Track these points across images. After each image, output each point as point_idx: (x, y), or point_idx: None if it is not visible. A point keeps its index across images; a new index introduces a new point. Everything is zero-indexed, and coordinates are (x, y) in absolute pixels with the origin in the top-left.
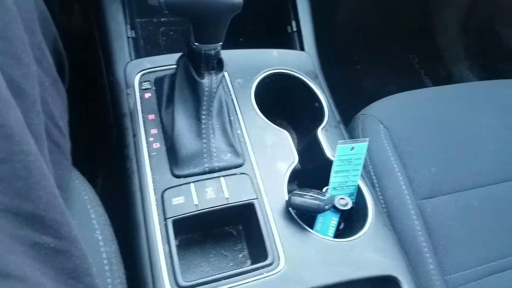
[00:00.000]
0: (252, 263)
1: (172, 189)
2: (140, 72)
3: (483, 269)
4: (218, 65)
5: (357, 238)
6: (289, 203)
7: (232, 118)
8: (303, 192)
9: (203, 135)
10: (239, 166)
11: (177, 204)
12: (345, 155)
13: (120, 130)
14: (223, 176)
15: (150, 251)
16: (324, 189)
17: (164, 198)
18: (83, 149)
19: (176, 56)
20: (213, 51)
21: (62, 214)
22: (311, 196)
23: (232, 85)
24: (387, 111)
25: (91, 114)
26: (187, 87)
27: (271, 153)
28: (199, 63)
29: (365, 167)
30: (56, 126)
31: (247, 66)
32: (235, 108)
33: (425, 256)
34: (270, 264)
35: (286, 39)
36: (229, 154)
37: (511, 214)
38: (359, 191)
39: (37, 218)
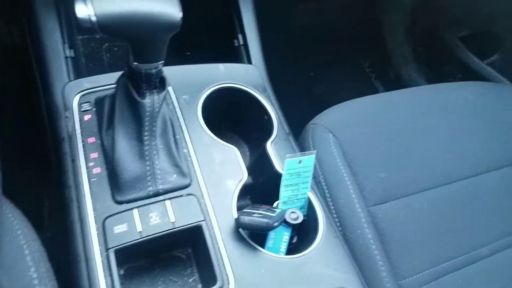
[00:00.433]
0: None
1: (114, 216)
2: (79, 93)
3: (435, 271)
4: (160, 84)
5: (308, 253)
6: (237, 223)
7: (177, 137)
8: (253, 209)
9: (146, 157)
10: (186, 187)
11: (119, 233)
12: (293, 169)
13: (58, 156)
14: (169, 198)
15: (91, 286)
16: (275, 204)
17: (106, 227)
18: (29, 177)
19: (119, 74)
20: (154, 70)
21: None
22: (260, 214)
23: (178, 102)
24: (337, 119)
25: (35, 137)
26: (127, 107)
27: (219, 171)
28: (140, 83)
29: (316, 177)
30: None
31: (193, 82)
32: (181, 126)
33: (377, 264)
34: None
35: (234, 53)
36: (175, 175)
37: (460, 215)
38: (310, 203)
39: None
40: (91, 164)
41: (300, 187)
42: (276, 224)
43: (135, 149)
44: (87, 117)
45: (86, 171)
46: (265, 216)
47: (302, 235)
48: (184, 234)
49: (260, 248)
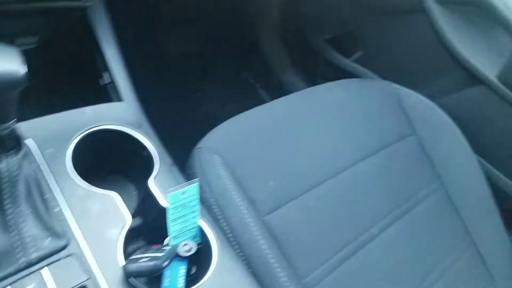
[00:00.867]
0: None
1: None
2: None
3: (333, 261)
4: (16, 144)
5: (204, 282)
6: (125, 273)
7: (46, 196)
8: (140, 254)
9: (11, 227)
10: (63, 249)
11: None
12: (178, 202)
13: None
14: (46, 265)
15: None
16: (166, 240)
17: None
18: None
19: None
20: (5, 131)
21: None
22: (147, 257)
23: (43, 157)
24: (222, 138)
25: None
26: None
27: (98, 222)
28: None
29: (207, 202)
30: None
31: (58, 132)
32: (48, 184)
33: (275, 271)
34: None
35: (103, 93)
36: (49, 239)
37: (346, 203)
38: (202, 230)
39: None
40: None
41: (189, 217)
42: (165, 263)
43: None
44: None
45: None
46: (153, 258)
47: (201, 263)
48: None
49: None
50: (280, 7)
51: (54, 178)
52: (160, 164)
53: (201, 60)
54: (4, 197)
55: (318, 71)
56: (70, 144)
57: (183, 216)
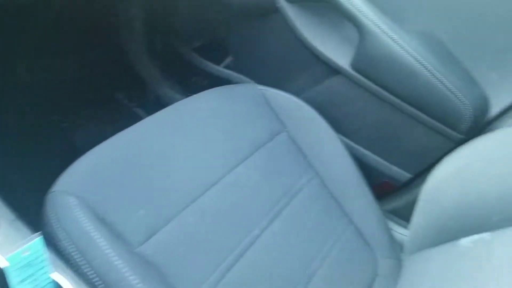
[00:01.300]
0: None
1: None
2: None
3: (217, 275)
4: None
5: None
6: None
7: None
8: None
9: None
10: None
11: None
12: (20, 262)
13: None
14: None
15: None
16: None
17: None
18: None
19: None
20: None
21: None
22: None
23: None
24: (78, 177)
25: None
26: None
27: None
28: None
29: (65, 250)
30: None
31: None
32: None
33: None
34: None
35: None
36: None
37: (226, 212)
38: (58, 284)
39: None
40: None
41: (39, 275)
42: None
43: None
44: None
45: None
46: None
47: None
48: None
49: None
50: (142, 20)
51: None
52: (1, 220)
53: (71, 88)
54: None
55: (192, 81)
56: None
57: (31, 275)
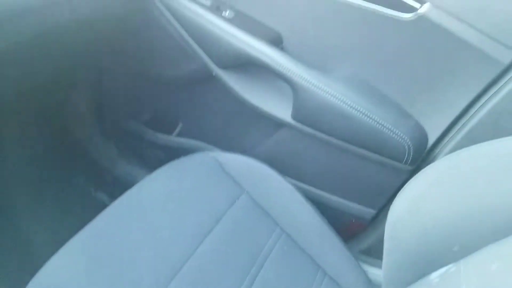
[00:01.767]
0: None
1: None
2: None
3: None
4: None
5: None
6: None
7: None
8: None
9: None
10: None
11: None
12: None
13: None
14: None
15: None
16: None
17: None
18: None
19: None
20: None
21: None
22: None
23: None
24: (53, 280)
25: None
26: None
27: None
28: None
29: None
30: None
31: None
32: None
33: None
34: None
35: None
36: None
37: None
38: None
39: None
40: None
41: None
42: None
43: None
44: None
45: None
46: None
47: None
48: None
49: None
50: (86, 104)
51: None
52: None
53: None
54: None
55: (148, 154)
56: None
57: None
